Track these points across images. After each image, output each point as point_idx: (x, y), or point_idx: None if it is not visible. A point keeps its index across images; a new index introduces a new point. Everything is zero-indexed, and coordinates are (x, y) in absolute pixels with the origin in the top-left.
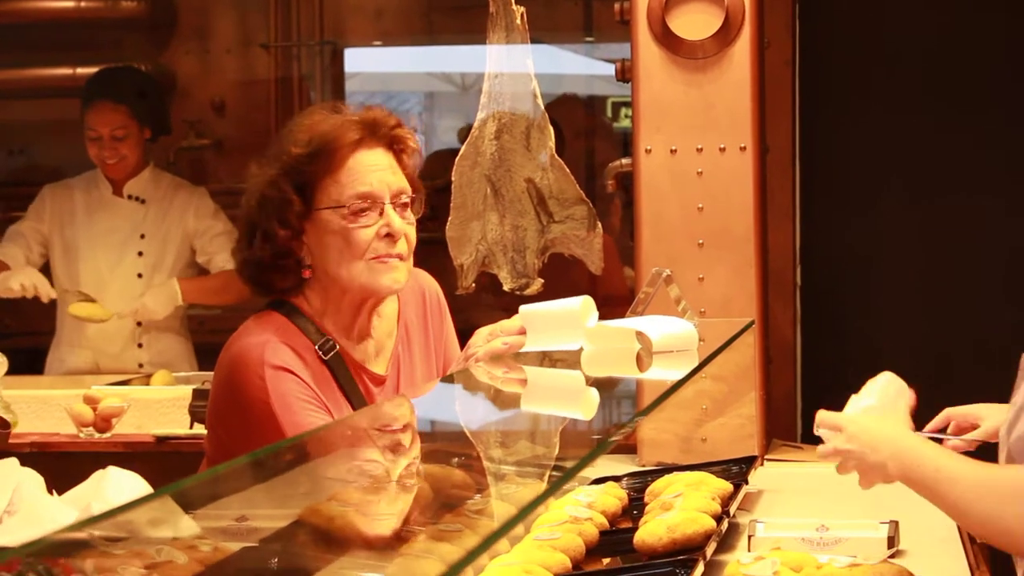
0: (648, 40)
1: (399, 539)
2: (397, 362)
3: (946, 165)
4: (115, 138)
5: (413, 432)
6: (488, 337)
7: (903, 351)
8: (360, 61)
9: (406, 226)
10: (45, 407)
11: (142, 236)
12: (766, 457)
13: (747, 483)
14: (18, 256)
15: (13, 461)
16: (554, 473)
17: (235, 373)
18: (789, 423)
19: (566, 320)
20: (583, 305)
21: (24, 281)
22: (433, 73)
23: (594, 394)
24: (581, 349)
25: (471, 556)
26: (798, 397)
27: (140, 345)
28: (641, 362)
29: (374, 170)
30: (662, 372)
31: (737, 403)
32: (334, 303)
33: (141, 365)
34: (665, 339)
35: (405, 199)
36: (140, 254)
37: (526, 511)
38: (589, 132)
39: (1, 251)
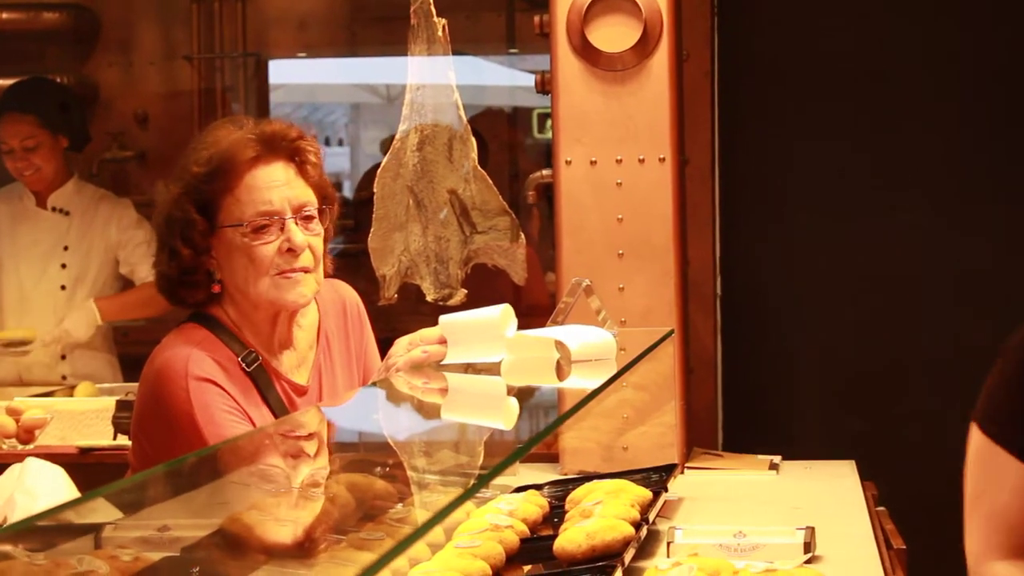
0: (567, 52)
1: (321, 547)
2: (319, 372)
3: (864, 177)
4: (26, 149)
5: (329, 442)
6: (408, 346)
7: (821, 361)
8: (284, 73)
9: (310, 238)
10: None
11: (65, 248)
12: (687, 465)
13: (667, 490)
14: None
15: None
16: (476, 482)
17: (159, 385)
18: (710, 431)
19: (486, 330)
20: (503, 314)
21: None
22: (358, 84)
23: (514, 403)
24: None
25: (384, 559)
26: (719, 406)
27: (63, 357)
28: (560, 371)
29: (273, 186)
30: (581, 381)
31: (658, 412)
32: (248, 316)
33: (64, 377)
34: (584, 348)
35: (308, 212)
36: (63, 266)
37: (441, 516)
38: (513, 144)
39: None
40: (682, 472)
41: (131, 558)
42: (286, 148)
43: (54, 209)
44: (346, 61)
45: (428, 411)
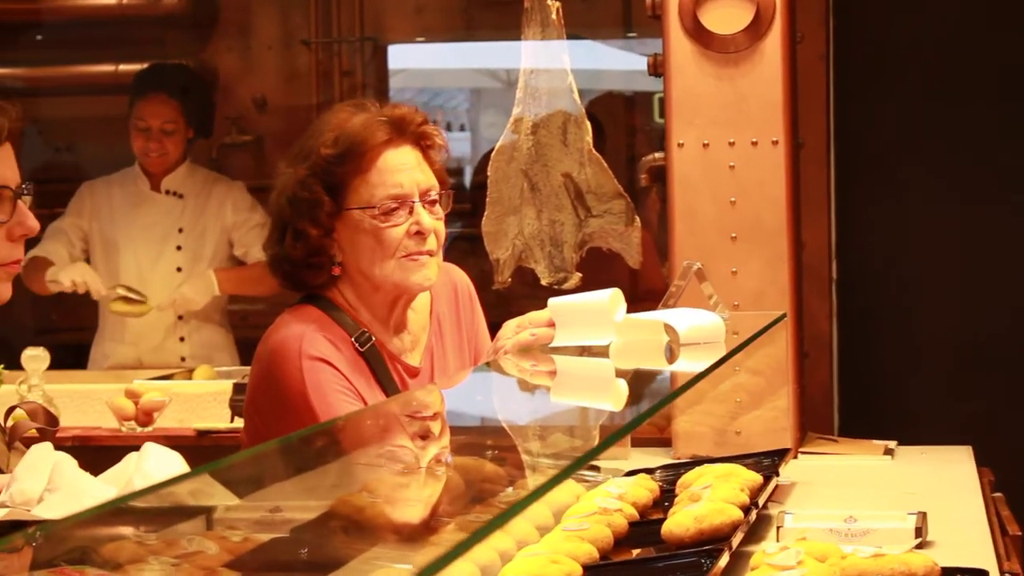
0: (679, 34)
1: (428, 530)
2: (431, 354)
3: (983, 157)
4: (164, 132)
5: (443, 421)
6: (516, 329)
7: (940, 344)
8: (403, 58)
9: (435, 223)
10: (87, 401)
11: (180, 231)
12: (800, 450)
13: (778, 475)
14: (61, 252)
15: (47, 445)
16: (582, 472)
17: (273, 364)
18: (825, 416)
19: (595, 313)
20: (612, 298)
21: (75, 277)
22: (477, 69)
23: (623, 385)
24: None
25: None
26: (835, 390)
27: (182, 339)
28: (670, 354)
29: (403, 169)
30: (689, 364)
31: (772, 396)
32: (366, 299)
33: (183, 359)
34: (692, 331)
35: (433, 196)
36: (179, 248)
37: (536, 495)
38: (630, 128)
39: (43, 248)
40: (795, 457)
41: (240, 539)
42: (413, 132)
43: (168, 192)
44: (464, 45)
45: (537, 394)
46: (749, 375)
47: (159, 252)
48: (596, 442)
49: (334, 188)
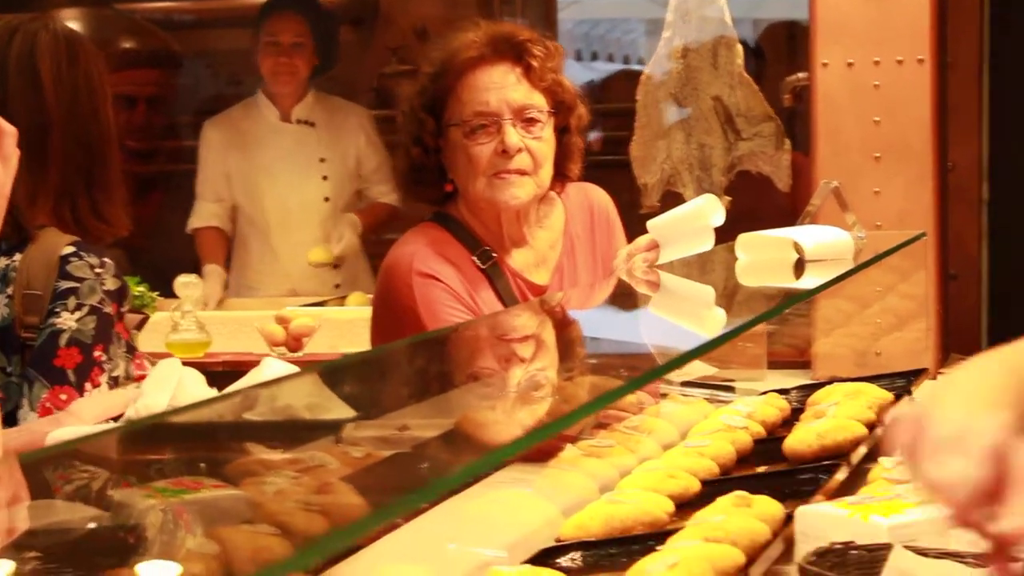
0: None
1: (552, 452)
2: (561, 274)
3: None
4: (294, 45)
5: (580, 338)
6: (627, 258)
7: None
8: None
9: (529, 141)
10: (239, 327)
11: (322, 160)
12: (940, 371)
13: (910, 394)
14: (216, 211)
15: (175, 361)
16: (716, 392)
17: (387, 280)
18: (972, 338)
19: (691, 222)
20: (706, 204)
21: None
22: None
23: (720, 313)
24: (736, 259)
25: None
26: (982, 312)
27: (336, 266)
28: (797, 270)
29: (492, 87)
30: (814, 280)
31: (915, 318)
32: (477, 214)
33: (338, 286)
34: (819, 248)
35: (532, 115)
36: (324, 178)
37: (606, 399)
38: (790, 53)
39: (200, 214)
40: (933, 378)
41: (362, 454)
42: (513, 49)
43: (299, 121)
44: None
45: (644, 312)
46: (896, 297)
47: (303, 183)
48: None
49: (434, 106)
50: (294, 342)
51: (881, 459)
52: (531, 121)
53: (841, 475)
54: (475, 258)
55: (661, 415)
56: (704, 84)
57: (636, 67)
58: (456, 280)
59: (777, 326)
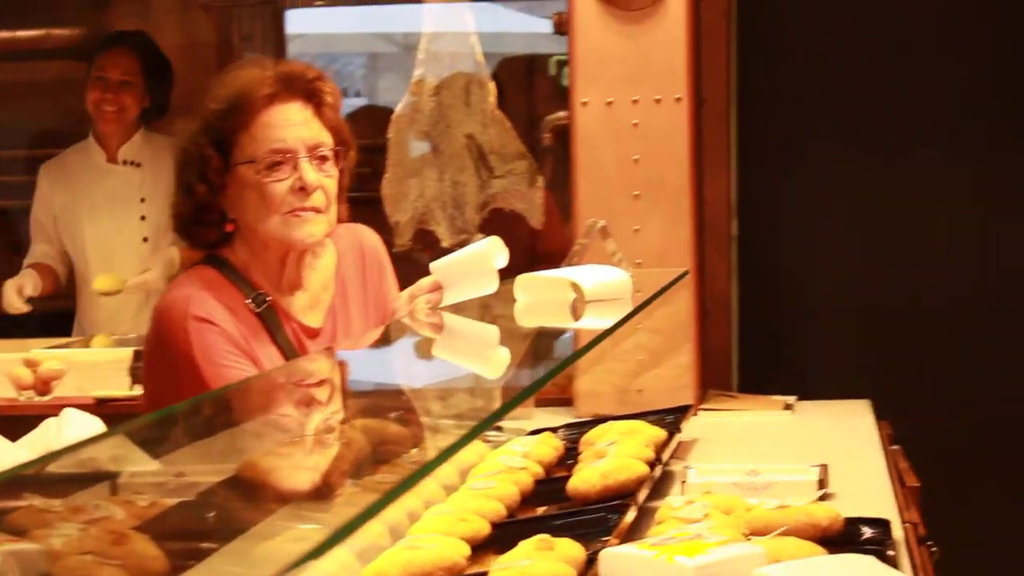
0: None
1: (336, 492)
2: (333, 315)
3: (884, 116)
4: (122, 82)
5: (341, 386)
6: (408, 300)
7: (839, 303)
8: (302, 22)
9: (323, 179)
10: None
11: (143, 200)
12: (701, 407)
13: (680, 431)
14: (48, 251)
15: None
16: (486, 431)
17: (161, 325)
18: (725, 373)
19: (475, 264)
20: (489, 246)
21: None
22: (375, 34)
23: (504, 353)
24: (515, 301)
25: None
26: (734, 348)
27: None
28: (575, 312)
29: (288, 124)
30: (595, 320)
31: (673, 354)
32: (259, 256)
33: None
34: (598, 288)
35: (323, 152)
36: (143, 218)
37: (447, 454)
38: (530, 89)
39: (33, 253)
40: (696, 414)
41: (147, 503)
42: (303, 88)
43: (125, 162)
44: (363, 9)
45: (432, 358)
46: (649, 334)
47: (123, 223)
48: (499, 402)
49: (222, 143)
50: (42, 385)
51: (668, 499)
52: (323, 159)
53: (630, 516)
54: (249, 302)
55: (436, 450)
56: (456, 122)
57: (354, 100)
58: (231, 324)
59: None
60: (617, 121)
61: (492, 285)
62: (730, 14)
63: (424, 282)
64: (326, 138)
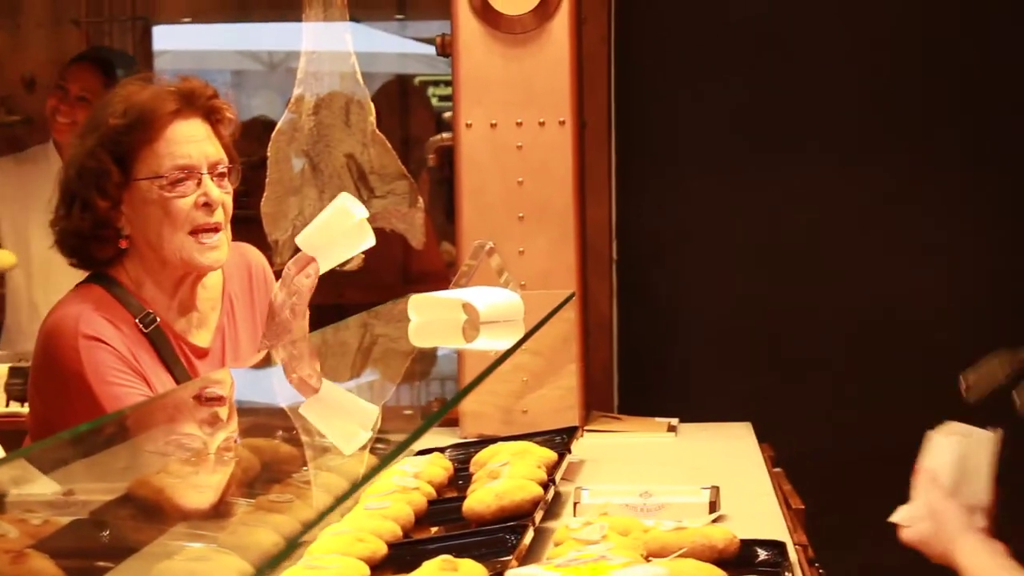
0: (468, 14)
1: (230, 511)
2: (222, 335)
3: (759, 140)
4: (80, 98)
5: (232, 405)
6: (282, 288)
7: (717, 323)
8: (170, 38)
9: (224, 196)
10: None
11: None
12: (585, 428)
13: (570, 452)
14: None
15: None
16: (378, 446)
17: (50, 345)
18: (606, 394)
19: (340, 223)
20: (346, 201)
21: None
22: (240, 51)
23: (373, 409)
24: (408, 322)
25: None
26: (615, 369)
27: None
28: (467, 333)
29: (192, 140)
30: (489, 343)
31: (556, 375)
32: (153, 275)
33: None
34: (492, 309)
35: (222, 169)
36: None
37: (365, 479)
38: (403, 110)
39: None
40: (582, 435)
41: (40, 521)
42: (203, 105)
43: None
44: (231, 27)
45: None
46: (532, 355)
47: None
48: (404, 424)
49: (122, 159)
50: None
51: (565, 520)
52: (222, 175)
53: (528, 537)
54: (138, 321)
55: (327, 470)
56: (336, 141)
57: (246, 120)
58: (120, 343)
59: (421, 383)
60: (501, 143)
61: (366, 238)
62: (609, 39)
63: (298, 259)
64: (223, 155)
